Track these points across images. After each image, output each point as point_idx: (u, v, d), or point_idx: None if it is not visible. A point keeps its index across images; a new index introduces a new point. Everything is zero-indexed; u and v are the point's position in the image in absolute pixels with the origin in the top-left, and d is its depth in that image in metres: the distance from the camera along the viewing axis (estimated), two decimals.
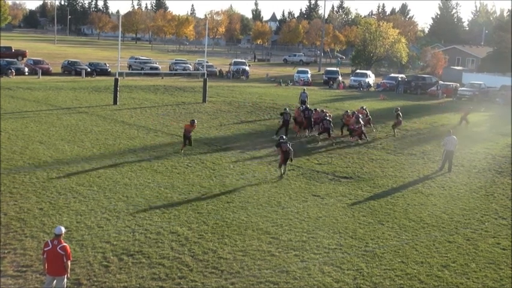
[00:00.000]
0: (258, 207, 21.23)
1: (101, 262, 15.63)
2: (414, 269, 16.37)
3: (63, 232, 13.24)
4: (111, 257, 15.97)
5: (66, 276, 13.16)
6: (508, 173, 28.68)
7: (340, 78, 75.03)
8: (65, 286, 13.31)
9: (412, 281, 15.62)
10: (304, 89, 49.18)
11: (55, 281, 13.13)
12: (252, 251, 16.99)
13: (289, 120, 35.71)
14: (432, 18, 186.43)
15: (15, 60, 68.04)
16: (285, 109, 37.07)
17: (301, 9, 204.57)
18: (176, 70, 74.28)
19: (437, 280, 15.75)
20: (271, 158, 29.25)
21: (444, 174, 27.87)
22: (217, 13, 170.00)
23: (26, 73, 62.87)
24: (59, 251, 12.87)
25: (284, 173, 25.99)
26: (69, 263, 13.10)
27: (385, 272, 16.05)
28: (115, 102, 44.80)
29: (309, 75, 76.37)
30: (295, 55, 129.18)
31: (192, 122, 30.48)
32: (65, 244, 13.09)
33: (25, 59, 74.86)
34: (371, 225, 20.02)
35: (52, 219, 18.59)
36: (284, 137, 27.52)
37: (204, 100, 48.93)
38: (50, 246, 12.94)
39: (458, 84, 68.57)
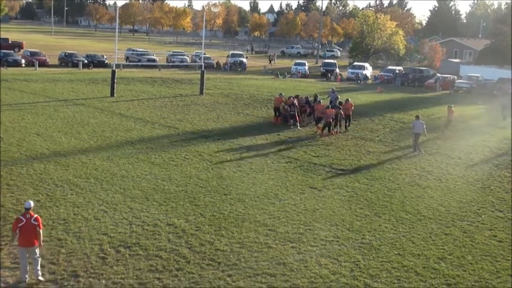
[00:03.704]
0: (255, 199, 21.24)
1: (98, 254, 15.64)
2: (411, 261, 16.40)
3: (32, 206, 14.09)
4: (108, 249, 15.98)
5: (38, 244, 14.03)
6: (505, 166, 28.71)
7: (337, 70, 74.97)
8: (38, 254, 14.05)
9: (409, 273, 15.65)
10: (333, 89, 45.81)
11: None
12: (249, 243, 17.01)
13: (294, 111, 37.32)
14: (430, 10, 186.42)
15: (11, 51, 67.89)
16: (280, 94, 39.89)
17: (298, 1, 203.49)
18: (173, 62, 74.14)
19: (434, 272, 15.78)
20: (268, 150, 29.27)
21: (441, 167, 27.91)
22: (214, 5, 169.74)
23: (23, 65, 62.72)
24: (33, 222, 13.85)
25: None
26: (41, 232, 14.09)
27: (382, 264, 16.08)
28: (112, 94, 44.73)
29: (307, 68, 76.34)
30: (292, 47, 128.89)
31: (280, 95, 38.84)
32: (36, 215, 14.10)
33: (22, 51, 74.72)
34: (368, 217, 20.05)
35: (49, 211, 18.58)
36: None
37: (201, 92, 48.91)
38: (24, 221, 13.80)
39: (455, 77, 68.55)
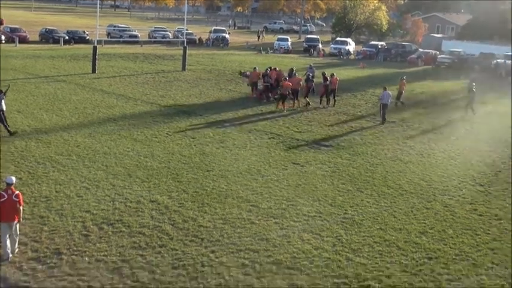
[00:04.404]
0: (237, 175, 21.28)
1: (81, 231, 15.62)
2: (392, 236, 16.57)
3: (14, 181, 14.29)
4: (91, 226, 15.97)
5: (18, 220, 14.22)
6: (485, 140, 28.94)
7: (320, 45, 74.87)
8: (17, 228, 14.27)
9: (391, 247, 15.81)
10: (310, 65, 45.50)
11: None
12: (232, 219, 17.08)
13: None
14: None
15: None
16: (255, 68, 39.65)
17: None
18: (155, 38, 73.57)
19: (415, 246, 15.96)
20: (251, 126, 29.25)
21: (423, 142, 28.12)
22: None
23: (3, 41, 61.96)
24: (14, 199, 13.94)
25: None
26: (21, 209, 14.24)
27: (364, 239, 16.23)
28: (93, 70, 44.36)
29: (289, 43, 76.11)
30: (275, 23, 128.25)
31: (255, 69, 38.89)
32: (17, 192, 14.21)
33: (2, 27, 73.71)
34: (350, 192, 20.18)
35: (31, 189, 18.50)
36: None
37: (183, 68, 48.65)
38: (6, 197, 13.90)
39: (437, 52, 68.73)
